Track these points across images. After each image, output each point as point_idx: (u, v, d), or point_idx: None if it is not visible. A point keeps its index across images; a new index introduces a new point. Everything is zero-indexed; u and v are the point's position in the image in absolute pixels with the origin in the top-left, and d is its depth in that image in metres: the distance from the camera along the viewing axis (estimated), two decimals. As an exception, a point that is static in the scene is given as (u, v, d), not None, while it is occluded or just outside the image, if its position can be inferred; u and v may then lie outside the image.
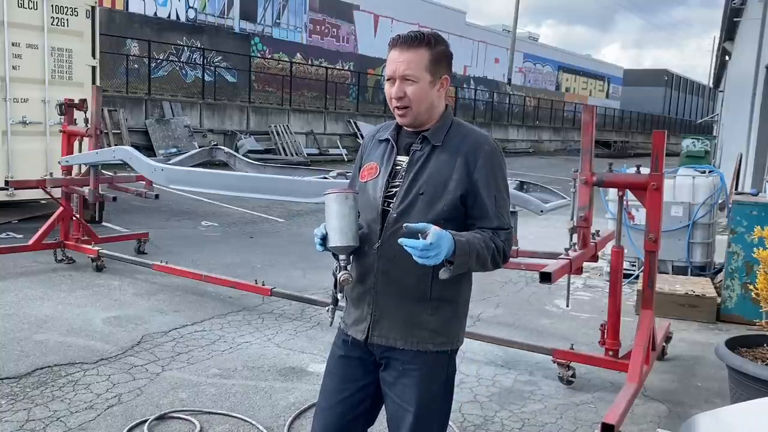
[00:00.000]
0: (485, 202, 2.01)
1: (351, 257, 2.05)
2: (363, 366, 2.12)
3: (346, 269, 2.01)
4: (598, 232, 4.21)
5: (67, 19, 8.41)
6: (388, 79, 2.05)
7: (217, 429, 3.43)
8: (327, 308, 2.19)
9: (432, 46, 2.02)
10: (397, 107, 2.04)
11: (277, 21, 27.47)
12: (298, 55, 27.75)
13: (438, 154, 2.04)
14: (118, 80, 19.27)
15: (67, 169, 6.76)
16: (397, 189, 2.05)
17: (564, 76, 49.32)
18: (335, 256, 2.05)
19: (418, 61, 1.99)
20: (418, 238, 1.84)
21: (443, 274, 1.90)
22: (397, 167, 2.08)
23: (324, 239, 2.03)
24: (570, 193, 4.21)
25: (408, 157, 2.07)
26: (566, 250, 3.81)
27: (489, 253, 1.96)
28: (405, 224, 1.92)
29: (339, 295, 2.08)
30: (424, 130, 2.08)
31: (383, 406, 2.16)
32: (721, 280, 5.97)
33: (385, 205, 2.05)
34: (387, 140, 2.14)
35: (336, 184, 4.68)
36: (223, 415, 3.56)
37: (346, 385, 2.13)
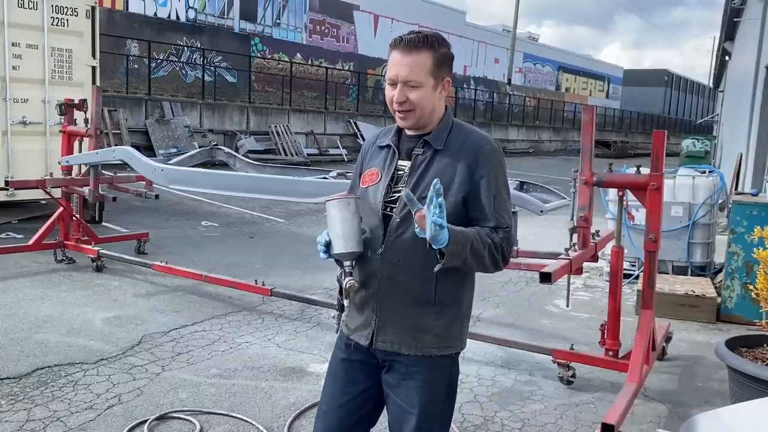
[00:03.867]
0: (483, 203, 1.99)
1: (354, 262, 2.03)
2: (365, 369, 2.12)
3: (351, 275, 2.00)
4: (598, 232, 4.21)
5: (67, 19, 8.41)
6: (390, 82, 2.01)
7: (217, 429, 3.43)
8: (333, 315, 2.17)
9: (435, 49, 1.97)
10: (399, 111, 2.01)
11: (277, 21, 27.47)
12: (298, 55, 27.75)
13: (440, 157, 2.03)
14: (118, 80, 19.27)
15: (67, 169, 6.75)
16: (400, 194, 2.03)
17: (564, 76, 49.31)
18: (339, 262, 2.04)
19: (421, 66, 1.95)
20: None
21: (437, 267, 1.89)
22: (399, 172, 2.07)
23: (327, 246, 2.01)
24: (570, 193, 4.21)
25: (410, 162, 2.06)
26: (566, 250, 3.81)
27: (485, 248, 1.93)
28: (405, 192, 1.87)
29: (345, 302, 2.06)
30: (425, 134, 2.07)
31: (385, 408, 2.15)
32: (721, 280, 5.97)
33: (387, 210, 2.04)
34: (388, 146, 2.12)
35: (336, 185, 4.68)
36: (223, 415, 3.56)
37: (348, 388, 2.13)
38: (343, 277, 2.00)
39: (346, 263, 2.00)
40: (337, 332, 2.19)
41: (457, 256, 1.87)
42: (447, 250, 1.84)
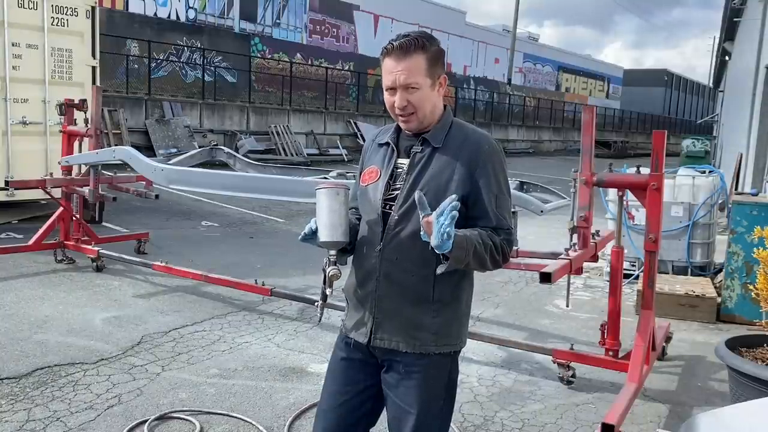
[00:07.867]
0: (485, 202, 2.00)
1: (342, 253, 2.05)
2: (365, 368, 2.12)
3: (335, 264, 2.02)
4: (598, 232, 4.21)
5: (67, 20, 8.41)
6: (388, 89, 2.02)
7: (217, 429, 3.43)
8: (315, 303, 2.18)
9: (426, 49, 1.99)
10: (401, 115, 2.03)
11: (277, 21, 27.46)
12: (298, 55, 27.74)
13: (439, 155, 2.03)
14: (118, 80, 19.28)
15: (67, 169, 6.75)
16: (398, 191, 2.04)
17: (564, 76, 49.30)
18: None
19: (416, 68, 1.97)
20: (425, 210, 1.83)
21: (440, 269, 1.90)
22: (398, 170, 2.08)
23: (312, 233, 2.04)
24: (570, 193, 4.21)
25: (408, 160, 2.06)
26: (566, 250, 3.81)
27: (487, 251, 1.94)
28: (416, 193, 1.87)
29: (328, 291, 2.07)
30: (424, 131, 2.07)
31: (384, 408, 2.15)
32: (721, 280, 5.97)
33: (386, 207, 2.05)
34: (387, 144, 2.13)
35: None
36: (223, 415, 3.56)
37: (348, 388, 2.13)
38: (327, 266, 2.02)
39: (331, 252, 2.02)
40: (319, 322, 2.20)
41: (460, 260, 1.88)
42: (451, 255, 1.85)
